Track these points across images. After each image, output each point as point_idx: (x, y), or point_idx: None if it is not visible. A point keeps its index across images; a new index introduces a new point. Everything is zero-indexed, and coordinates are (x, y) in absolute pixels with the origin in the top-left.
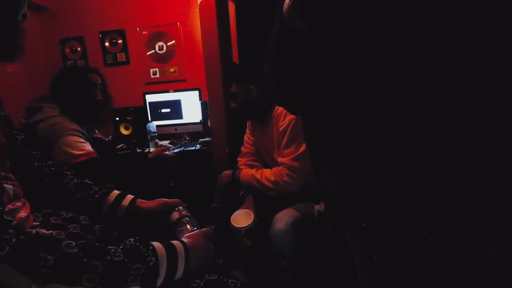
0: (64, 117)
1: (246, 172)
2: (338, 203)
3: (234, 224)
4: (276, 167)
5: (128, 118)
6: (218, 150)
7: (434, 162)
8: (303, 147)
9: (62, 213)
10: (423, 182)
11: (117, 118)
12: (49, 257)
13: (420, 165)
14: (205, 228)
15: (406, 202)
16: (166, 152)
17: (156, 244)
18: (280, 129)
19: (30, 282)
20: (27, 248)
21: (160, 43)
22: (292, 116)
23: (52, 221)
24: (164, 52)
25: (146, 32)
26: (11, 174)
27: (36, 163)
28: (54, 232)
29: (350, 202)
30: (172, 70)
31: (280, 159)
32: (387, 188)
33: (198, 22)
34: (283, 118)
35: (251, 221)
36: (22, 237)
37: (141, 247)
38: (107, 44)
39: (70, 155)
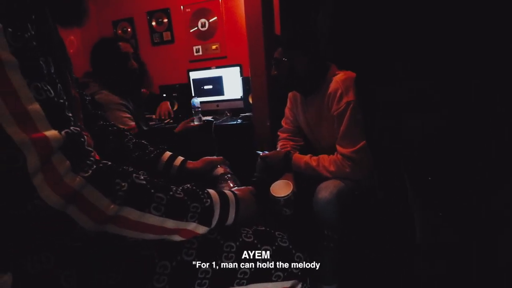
0: (105, 91)
1: (299, 158)
2: (398, 156)
3: (273, 194)
4: (336, 157)
5: (174, 94)
6: (260, 123)
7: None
8: (363, 138)
9: (124, 167)
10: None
11: (164, 95)
12: (123, 183)
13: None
14: (251, 187)
15: (470, 157)
16: (191, 124)
17: (210, 190)
18: (335, 112)
19: (109, 202)
20: (106, 174)
21: (203, 20)
22: (349, 98)
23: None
24: (206, 29)
25: (189, 10)
26: (83, 126)
27: (101, 122)
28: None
29: (412, 154)
30: (214, 47)
31: (340, 149)
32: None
33: None
34: (338, 100)
35: (290, 191)
36: (101, 164)
37: (198, 190)
38: (154, 23)
39: None
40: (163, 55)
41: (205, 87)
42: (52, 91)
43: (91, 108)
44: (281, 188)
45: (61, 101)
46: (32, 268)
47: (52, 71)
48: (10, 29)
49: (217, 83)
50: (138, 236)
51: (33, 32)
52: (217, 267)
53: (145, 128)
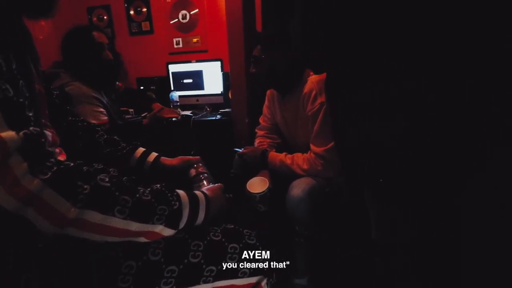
0: (77, 83)
1: (275, 156)
2: (362, 157)
3: (249, 190)
4: (309, 155)
5: (151, 87)
6: (239, 120)
7: (467, 135)
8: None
9: (94, 164)
10: (451, 152)
11: (142, 87)
12: (85, 186)
13: (452, 133)
14: (220, 184)
15: (429, 163)
16: (161, 113)
17: (180, 191)
18: (309, 112)
19: (70, 206)
20: (67, 176)
21: (184, 12)
22: (323, 99)
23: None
24: (188, 21)
25: (170, 0)
26: (49, 123)
27: (70, 117)
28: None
29: (373, 156)
30: (195, 40)
31: (313, 148)
32: (412, 144)
33: None
34: (313, 100)
35: (266, 188)
36: (62, 166)
37: (167, 192)
38: (132, 12)
39: None
40: (141, 46)
41: (185, 81)
42: (11, 90)
43: (59, 103)
44: (257, 185)
45: (21, 100)
46: None
47: (14, 67)
48: None
49: (197, 77)
50: (100, 239)
51: None
52: (182, 266)
53: (120, 122)
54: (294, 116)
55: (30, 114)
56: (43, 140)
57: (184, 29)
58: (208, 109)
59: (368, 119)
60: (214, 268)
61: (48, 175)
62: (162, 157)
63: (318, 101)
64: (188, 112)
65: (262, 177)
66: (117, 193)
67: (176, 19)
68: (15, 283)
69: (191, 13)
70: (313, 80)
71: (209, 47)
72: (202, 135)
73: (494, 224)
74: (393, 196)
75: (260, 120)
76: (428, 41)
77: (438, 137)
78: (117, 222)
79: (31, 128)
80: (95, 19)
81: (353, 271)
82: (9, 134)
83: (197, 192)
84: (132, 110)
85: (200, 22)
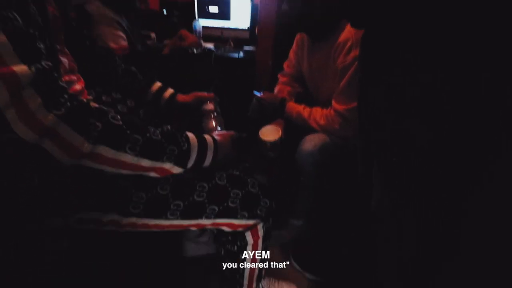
0: (98, 2)
1: (293, 107)
2: (374, 141)
3: (261, 137)
4: (329, 111)
5: (175, 13)
6: (263, 61)
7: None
8: None
9: (112, 93)
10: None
11: (164, 9)
12: (97, 123)
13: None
14: (232, 132)
15: (440, 163)
16: (182, 43)
17: (190, 134)
18: (340, 65)
19: (84, 141)
20: (80, 112)
21: None
22: (356, 53)
23: (103, 99)
24: None
25: None
26: (66, 49)
27: (88, 42)
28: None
29: (385, 144)
30: None
31: (334, 104)
32: (426, 142)
33: None
34: (347, 52)
35: (278, 137)
36: (75, 103)
37: (177, 133)
38: None
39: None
40: None
41: (211, 8)
42: (19, 20)
43: (76, 25)
44: (270, 133)
45: (31, 31)
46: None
47: None
48: None
49: (224, 5)
50: (115, 171)
51: None
52: (187, 202)
53: (139, 49)
54: (323, 66)
55: (42, 46)
56: (56, 74)
57: None
58: (231, 43)
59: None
60: (215, 207)
61: (62, 111)
62: (178, 94)
63: (352, 54)
64: (211, 45)
65: (276, 126)
66: (128, 132)
67: None
68: (42, 201)
69: None
70: (351, 28)
71: None
72: (223, 71)
73: (499, 225)
74: (400, 181)
75: (284, 66)
76: (443, 33)
77: (454, 131)
78: (129, 158)
79: (43, 63)
80: None
81: (350, 228)
82: (21, 67)
83: (206, 136)
84: (153, 34)
85: None
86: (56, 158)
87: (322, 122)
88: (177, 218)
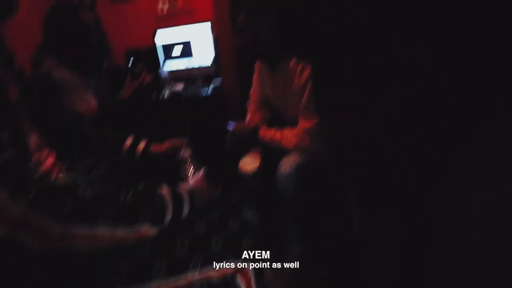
0: (63, 69)
1: (265, 133)
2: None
3: (241, 167)
4: (297, 130)
5: (140, 61)
6: (230, 93)
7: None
8: None
9: (86, 159)
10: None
11: (131, 60)
12: (67, 202)
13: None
14: (204, 169)
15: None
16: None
17: (164, 189)
18: (297, 87)
19: (55, 222)
20: (48, 195)
21: None
22: (308, 72)
23: (76, 166)
24: None
25: None
26: (32, 126)
27: (54, 115)
28: (75, 178)
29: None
30: (180, 2)
31: (301, 121)
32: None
33: None
34: (300, 73)
35: (256, 166)
36: (43, 185)
37: (149, 193)
38: None
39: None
40: (124, 15)
41: (174, 53)
42: None
43: (40, 100)
44: (249, 163)
45: None
46: None
47: None
48: None
49: (186, 48)
50: (90, 249)
51: None
52: (169, 261)
53: (110, 102)
54: (284, 89)
55: (5, 135)
56: (20, 162)
57: None
58: (199, 81)
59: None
60: (200, 257)
61: (30, 198)
62: (152, 145)
63: (305, 74)
64: (180, 86)
65: (254, 155)
66: (98, 204)
67: None
68: None
69: None
70: None
71: (196, 6)
72: (195, 110)
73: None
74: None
75: (251, 92)
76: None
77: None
78: (103, 232)
79: (5, 155)
80: None
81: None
82: None
83: (180, 190)
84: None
85: None
86: (29, 246)
87: (294, 141)
88: (163, 278)
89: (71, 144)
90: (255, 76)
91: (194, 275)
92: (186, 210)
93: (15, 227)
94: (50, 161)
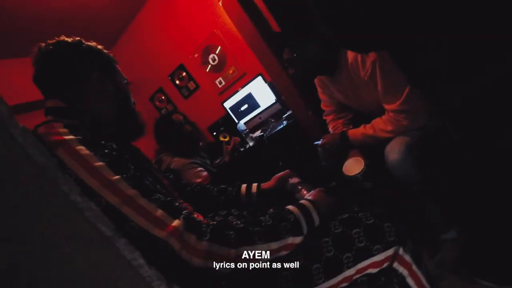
0: (176, 158)
1: (355, 133)
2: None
3: (348, 174)
4: (387, 115)
5: (221, 128)
6: (303, 118)
7: None
8: (405, 86)
9: (219, 212)
10: None
11: (214, 133)
12: (231, 232)
13: None
14: (320, 188)
15: None
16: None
17: (290, 206)
18: (365, 77)
19: (228, 249)
20: (218, 231)
21: (212, 55)
22: (371, 59)
23: (217, 219)
24: (218, 61)
25: (197, 55)
26: (181, 200)
27: (188, 188)
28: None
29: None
30: (231, 71)
31: (387, 106)
32: None
33: (229, 18)
34: (362, 65)
35: (363, 166)
36: (211, 226)
37: (280, 211)
38: (177, 81)
39: None
40: (196, 102)
41: (242, 108)
42: (161, 195)
43: (176, 182)
44: (353, 166)
45: (168, 198)
46: None
47: (150, 180)
48: (124, 175)
49: (249, 100)
50: (257, 265)
51: (132, 166)
52: (323, 262)
53: (214, 170)
54: (353, 87)
55: (177, 204)
56: (192, 216)
57: (219, 68)
58: (272, 120)
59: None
60: (350, 254)
61: (208, 236)
62: (261, 184)
63: (368, 62)
64: (258, 133)
65: (355, 157)
66: (250, 228)
67: (210, 65)
68: None
69: (217, 52)
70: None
71: (245, 69)
72: (282, 146)
73: None
74: None
75: (322, 107)
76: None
77: None
78: (262, 247)
79: (184, 212)
80: (157, 103)
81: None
82: (176, 222)
83: (302, 201)
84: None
85: (228, 55)
86: (218, 271)
87: (389, 127)
88: (324, 281)
89: (206, 205)
90: (319, 92)
91: (351, 273)
92: (316, 217)
93: (205, 257)
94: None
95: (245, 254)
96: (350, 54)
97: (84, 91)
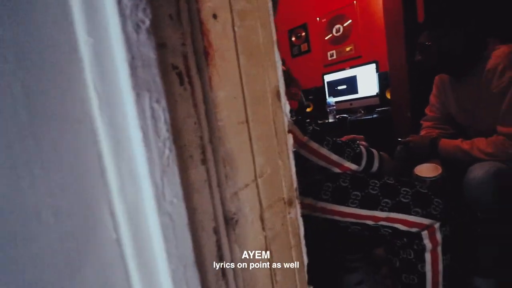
0: None
1: (448, 142)
2: None
3: (418, 174)
4: (495, 138)
5: (310, 97)
6: (399, 115)
7: None
8: None
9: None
10: None
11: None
12: (310, 128)
13: None
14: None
15: None
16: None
17: (361, 143)
18: (496, 89)
19: (302, 136)
20: (304, 126)
21: (337, 26)
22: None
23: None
24: (341, 34)
25: (325, 20)
26: None
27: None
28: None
29: None
30: (348, 49)
31: (501, 129)
32: None
33: None
34: (500, 75)
35: (438, 173)
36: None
37: (352, 143)
38: (293, 38)
39: None
40: (301, 64)
41: (339, 87)
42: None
43: None
44: (428, 170)
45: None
46: None
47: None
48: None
49: (351, 82)
50: (316, 161)
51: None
52: (364, 193)
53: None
54: (474, 98)
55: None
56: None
57: (338, 41)
58: (361, 111)
59: None
60: (389, 201)
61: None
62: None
63: (507, 75)
64: (344, 115)
65: (434, 164)
66: (324, 134)
67: (330, 34)
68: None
69: (344, 25)
70: (498, 54)
71: (362, 52)
72: (361, 133)
73: None
74: None
75: (427, 111)
76: None
77: None
78: (325, 151)
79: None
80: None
81: None
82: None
83: (373, 149)
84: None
85: (353, 32)
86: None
87: (489, 149)
88: (356, 207)
89: None
90: (433, 93)
91: (381, 215)
92: (376, 164)
93: (302, 146)
94: None
95: (311, 147)
96: (493, 61)
97: None
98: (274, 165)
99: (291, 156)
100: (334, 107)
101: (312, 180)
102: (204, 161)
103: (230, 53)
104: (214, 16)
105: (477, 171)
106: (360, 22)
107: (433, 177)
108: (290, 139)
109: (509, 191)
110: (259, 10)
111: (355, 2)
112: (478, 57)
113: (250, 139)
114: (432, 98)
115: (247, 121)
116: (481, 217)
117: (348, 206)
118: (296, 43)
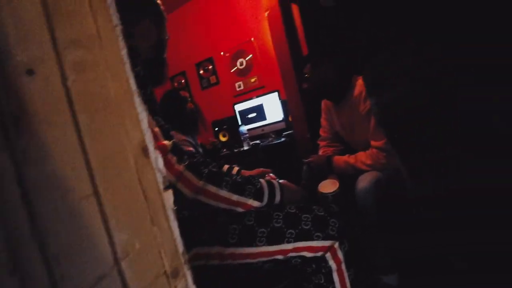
0: (174, 132)
1: (339, 159)
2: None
3: (321, 191)
4: (371, 151)
5: (224, 127)
6: (301, 138)
7: None
8: None
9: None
10: None
11: (216, 129)
12: (205, 170)
13: None
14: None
15: None
16: None
17: (261, 179)
18: (363, 111)
19: (198, 180)
20: (195, 164)
21: (240, 60)
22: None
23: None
24: (244, 67)
25: (228, 54)
26: None
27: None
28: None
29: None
30: (252, 80)
31: (373, 143)
32: None
33: (269, 32)
34: (364, 100)
35: (336, 188)
36: (192, 160)
37: (251, 178)
38: (201, 71)
39: None
40: (211, 95)
41: (250, 115)
42: (161, 121)
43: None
44: (328, 186)
45: (167, 126)
46: None
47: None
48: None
49: (259, 110)
50: (216, 205)
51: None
52: (269, 228)
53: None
54: (351, 119)
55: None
56: (181, 147)
57: (243, 73)
58: (272, 136)
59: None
60: (293, 231)
61: (186, 163)
62: (243, 170)
63: (367, 101)
64: (256, 141)
65: (332, 179)
66: (221, 175)
67: (236, 67)
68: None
69: (246, 59)
70: (360, 83)
71: (265, 83)
72: (272, 158)
73: None
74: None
75: (320, 132)
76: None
77: None
78: (224, 193)
79: (173, 140)
80: (176, 84)
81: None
82: (166, 142)
83: (272, 180)
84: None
85: (255, 64)
86: (184, 193)
87: (368, 161)
88: (264, 244)
89: None
90: (322, 117)
91: (288, 247)
92: (278, 195)
93: (178, 177)
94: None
95: (209, 191)
96: (358, 88)
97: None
98: (145, 236)
99: (172, 217)
100: (247, 135)
101: (216, 225)
102: (13, 272)
103: (61, 115)
104: (29, 72)
105: (361, 183)
106: (259, 56)
107: (333, 192)
108: (169, 196)
109: (385, 198)
110: (107, 60)
111: (252, 39)
112: (346, 86)
113: (103, 215)
114: (322, 121)
115: (95, 193)
116: (370, 222)
117: (256, 246)
118: (205, 76)
